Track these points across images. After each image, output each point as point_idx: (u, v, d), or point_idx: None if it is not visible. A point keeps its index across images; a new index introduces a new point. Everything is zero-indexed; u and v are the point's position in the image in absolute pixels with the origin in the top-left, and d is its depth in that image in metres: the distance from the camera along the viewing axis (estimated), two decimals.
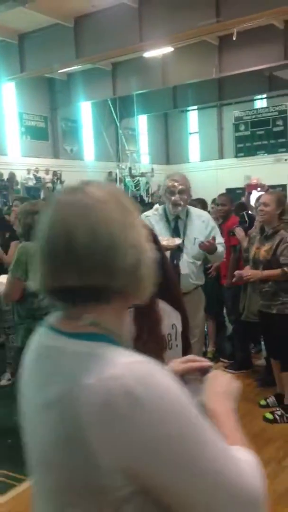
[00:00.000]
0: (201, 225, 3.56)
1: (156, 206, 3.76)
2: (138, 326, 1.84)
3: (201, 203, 5.55)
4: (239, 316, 4.57)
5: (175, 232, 3.50)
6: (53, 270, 0.84)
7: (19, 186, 15.06)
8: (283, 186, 15.05)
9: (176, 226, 3.54)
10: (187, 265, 3.46)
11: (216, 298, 5.14)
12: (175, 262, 3.40)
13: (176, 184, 3.49)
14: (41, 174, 15.81)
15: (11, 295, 3.36)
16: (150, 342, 1.86)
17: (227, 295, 5.22)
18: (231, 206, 5.51)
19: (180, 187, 3.48)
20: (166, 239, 3.28)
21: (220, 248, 3.58)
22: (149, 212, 3.66)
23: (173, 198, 3.47)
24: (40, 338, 0.93)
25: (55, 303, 0.89)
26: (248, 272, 3.93)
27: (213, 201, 6.08)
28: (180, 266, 3.43)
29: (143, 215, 3.52)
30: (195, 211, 3.71)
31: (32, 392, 0.89)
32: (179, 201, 3.49)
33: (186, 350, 1.99)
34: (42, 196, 14.25)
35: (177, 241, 3.33)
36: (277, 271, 3.73)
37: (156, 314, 1.87)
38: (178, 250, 3.39)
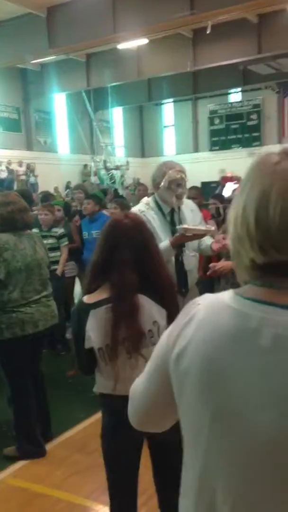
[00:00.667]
0: (192, 215, 3.42)
1: (146, 199, 3.52)
2: (115, 322, 1.83)
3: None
4: None
5: (172, 225, 3.32)
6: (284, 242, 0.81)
7: None
8: None
9: (172, 219, 3.36)
10: (190, 260, 3.33)
11: None
12: (180, 259, 3.26)
13: (183, 176, 3.30)
14: (14, 167, 15.57)
15: None
16: (127, 337, 1.84)
17: (200, 288, 5.23)
18: (202, 199, 5.52)
19: (184, 179, 3.32)
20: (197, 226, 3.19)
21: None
22: (140, 207, 3.39)
23: (180, 190, 3.26)
24: (247, 314, 0.85)
25: (264, 277, 0.85)
26: (220, 263, 3.93)
27: None
28: (185, 262, 3.29)
29: (137, 211, 3.27)
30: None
31: (265, 376, 0.82)
32: (184, 193, 3.33)
33: None
34: (15, 188, 14.04)
35: (212, 227, 3.17)
36: None
37: (133, 310, 1.85)
38: (180, 246, 3.23)
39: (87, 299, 1.90)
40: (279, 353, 0.80)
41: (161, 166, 3.35)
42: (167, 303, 1.94)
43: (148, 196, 3.74)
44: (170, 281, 2.01)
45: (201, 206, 5.46)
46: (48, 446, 3.48)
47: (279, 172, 0.82)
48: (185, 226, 3.27)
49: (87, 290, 1.94)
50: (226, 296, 0.90)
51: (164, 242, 3.12)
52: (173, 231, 3.25)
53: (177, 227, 3.24)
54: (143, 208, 3.34)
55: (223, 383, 0.85)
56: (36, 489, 3.04)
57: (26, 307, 3.31)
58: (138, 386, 1.09)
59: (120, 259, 1.88)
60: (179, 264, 3.26)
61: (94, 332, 1.84)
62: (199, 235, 3.20)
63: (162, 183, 3.26)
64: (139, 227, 1.99)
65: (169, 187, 3.25)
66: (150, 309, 1.89)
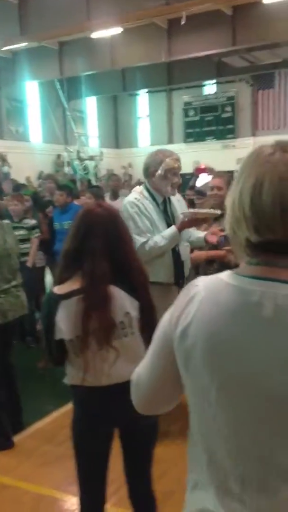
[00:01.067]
0: (179, 205, 3.37)
1: (138, 188, 3.39)
2: (86, 313, 1.81)
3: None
4: None
5: (165, 214, 3.25)
6: (283, 223, 0.90)
7: None
8: (231, 171, 15.28)
9: (165, 208, 3.29)
10: (185, 250, 3.29)
11: None
12: (176, 249, 3.21)
13: (180, 165, 3.21)
14: None
15: None
16: (98, 329, 1.82)
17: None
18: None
19: (180, 168, 3.23)
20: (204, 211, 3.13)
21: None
22: (135, 195, 3.26)
23: (176, 179, 3.17)
24: (251, 291, 0.93)
25: (259, 256, 0.95)
26: (192, 254, 3.91)
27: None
28: (181, 252, 3.24)
29: (130, 202, 3.18)
30: None
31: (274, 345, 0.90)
32: (179, 183, 3.25)
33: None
34: None
35: (218, 211, 3.11)
36: (222, 252, 3.67)
37: (104, 301, 1.83)
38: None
39: (57, 289, 1.87)
40: (281, 321, 0.89)
41: (156, 153, 3.24)
42: (139, 294, 1.92)
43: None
44: (142, 272, 1.99)
45: None
46: (18, 438, 3.46)
47: (272, 162, 0.93)
48: (192, 210, 3.25)
49: (58, 280, 1.91)
50: (223, 276, 0.99)
51: (169, 229, 3.10)
52: (167, 221, 3.18)
53: (183, 212, 3.19)
54: (138, 196, 3.23)
55: (229, 354, 0.93)
56: (4, 481, 3.02)
57: None
58: (142, 372, 1.13)
59: (93, 248, 1.86)
60: (176, 254, 3.20)
61: (65, 323, 1.81)
62: (205, 219, 3.16)
63: (158, 171, 3.15)
64: (113, 216, 1.96)
65: (166, 175, 3.14)
66: (122, 300, 1.88)
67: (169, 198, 3.29)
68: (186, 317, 0.98)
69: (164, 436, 2.87)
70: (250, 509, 0.94)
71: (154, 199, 3.22)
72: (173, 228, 3.08)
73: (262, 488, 0.93)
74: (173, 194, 3.25)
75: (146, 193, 3.23)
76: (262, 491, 0.93)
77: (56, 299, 1.83)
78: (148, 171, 3.21)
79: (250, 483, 0.94)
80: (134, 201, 3.16)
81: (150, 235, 3.09)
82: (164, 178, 3.15)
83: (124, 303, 1.88)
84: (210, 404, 0.96)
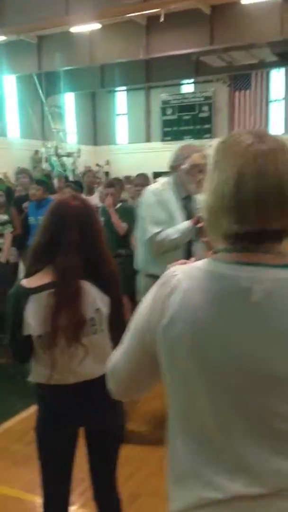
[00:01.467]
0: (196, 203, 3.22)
1: (162, 179, 3.27)
2: (56, 308, 1.76)
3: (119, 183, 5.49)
4: None
5: (187, 210, 3.10)
6: (264, 214, 0.93)
7: None
8: None
9: (185, 205, 3.14)
10: (198, 249, 3.13)
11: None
12: (188, 246, 3.07)
13: (206, 162, 3.14)
14: None
15: None
16: (68, 325, 1.77)
17: None
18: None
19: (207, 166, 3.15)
20: None
21: None
22: (157, 185, 3.16)
23: (201, 176, 2.94)
24: (235, 275, 0.95)
25: (240, 244, 0.96)
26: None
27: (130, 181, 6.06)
28: (192, 249, 3.09)
29: (152, 190, 3.09)
30: None
31: (266, 322, 0.93)
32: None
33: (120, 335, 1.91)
34: None
35: None
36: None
37: (76, 296, 1.78)
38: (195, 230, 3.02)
39: (26, 282, 1.80)
40: (270, 304, 0.92)
41: (184, 147, 3.16)
42: (110, 290, 1.87)
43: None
44: (114, 267, 1.94)
45: None
46: None
47: (252, 152, 0.94)
48: None
49: (27, 273, 1.85)
50: (200, 264, 1.00)
51: (184, 223, 2.99)
52: (188, 217, 3.05)
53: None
54: (161, 187, 3.14)
55: (218, 338, 0.94)
56: None
57: None
58: (118, 359, 1.14)
59: (67, 241, 1.79)
60: (187, 252, 3.06)
61: (34, 318, 1.75)
62: None
63: (183, 166, 3.04)
64: (88, 209, 1.91)
65: (190, 171, 3.03)
66: (93, 295, 1.83)
67: (193, 196, 3.14)
68: (170, 308, 0.98)
69: (132, 437, 2.85)
70: (257, 481, 0.94)
71: (177, 192, 3.11)
72: (188, 223, 2.97)
73: (257, 462, 0.94)
74: (197, 192, 3.08)
75: (170, 185, 3.13)
76: (256, 465, 0.94)
77: (25, 293, 1.76)
78: (174, 165, 3.11)
79: (246, 458, 0.95)
80: (155, 190, 3.08)
81: (165, 226, 2.99)
82: (188, 174, 3.04)
83: (95, 299, 1.83)
84: (200, 391, 0.97)
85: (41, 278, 1.78)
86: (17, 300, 1.78)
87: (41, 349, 1.80)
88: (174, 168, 3.12)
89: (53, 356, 1.79)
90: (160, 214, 3.02)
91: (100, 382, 1.81)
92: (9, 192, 6.20)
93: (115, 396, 1.21)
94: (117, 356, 1.15)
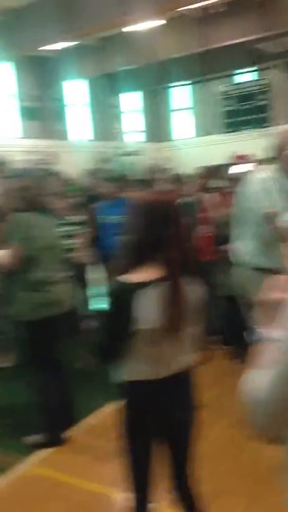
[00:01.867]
0: None
1: (266, 166, 3.19)
2: (171, 301, 1.83)
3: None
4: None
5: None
6: None
7: None
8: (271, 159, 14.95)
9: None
10: None
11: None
12: None
13: None
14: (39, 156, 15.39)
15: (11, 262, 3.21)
16: (178, 317, 1.85)
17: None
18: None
19: None
20: None
21: None
22: (261, 174, 3.10)
23: None
24: None
25: None
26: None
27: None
28: None
29: (260, 178, 3.02)
30: None
31: None
32: None
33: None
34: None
35: None
36: None
37: (183, 289, 1.85)
38: None
39: (130, 279, 1.82)
40: None
41: (282, 134, 3.06)
42: (200, 282, 1.96)
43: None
44: (197, 260, 2.06)
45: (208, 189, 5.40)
46: (69, 434, 3.49)
47: None
48: None
49: (123, 271, 1.86)
50: None
51: None
52: None
53: None
54: (264, 175, 3.09)
55: None
56: (58, 477, 3.07)
57: (51, 286, 3.25)
58: (262, 389, 0.97)
59: (169, 236, 1.85)
60: None
61: (146, 312, 1.79)
62: None
63: (285, 151, 2.95)
64: (176, 205, 2.01)
65: None
66: (192, 287, 1.90)
67: None
68: None
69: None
70: None
71: (281, 179, 3.01)
72: None
73: None
74: None
75: (275, 173, 3.05)
76: None
77: (132, 289, 1.78)
78: (277, 150, 3.03)
79: None
80: (258, 178, 3.05)
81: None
82: None
83: (195, 290, 1.91)
84: None
85: (144, 274, 1.83)
86: (123, 296, 1.80)
87: (145, 344, 1.83)
88: (277, 154, 3.01)
89: (160, 350, 1.84)
90: (277, 201, 2.92)
91: (184, 374, 1.92)
92: (82, 193, 6.22)
93: (258, 432, 1.03)
94: (260, 381, 0.99)
